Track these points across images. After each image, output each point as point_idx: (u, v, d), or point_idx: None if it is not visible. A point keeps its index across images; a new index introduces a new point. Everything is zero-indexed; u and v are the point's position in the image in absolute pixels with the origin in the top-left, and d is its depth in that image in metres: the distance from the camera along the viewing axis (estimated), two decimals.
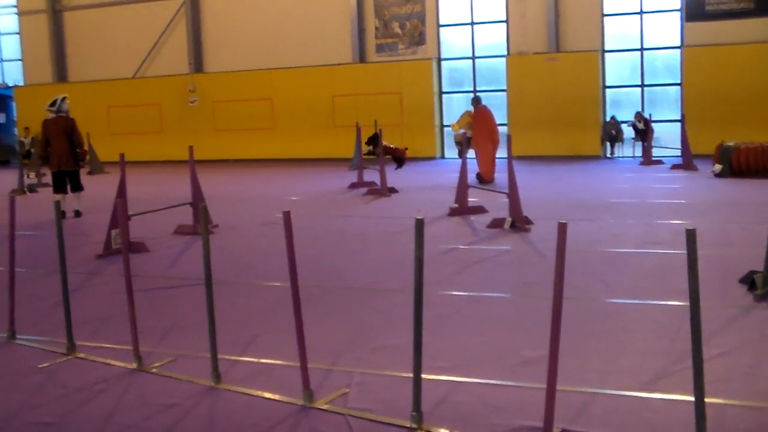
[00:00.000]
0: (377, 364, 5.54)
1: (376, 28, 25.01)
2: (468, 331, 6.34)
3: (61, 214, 6.26)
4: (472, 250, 9.72)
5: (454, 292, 7.55)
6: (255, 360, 5.76)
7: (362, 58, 25.13)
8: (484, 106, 17.62)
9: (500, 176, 15.10)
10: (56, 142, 13.59)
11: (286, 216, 4.87)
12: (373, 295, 7.72)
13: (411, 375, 4.40)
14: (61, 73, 29.62)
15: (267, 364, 5.68)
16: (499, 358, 5.61)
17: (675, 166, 18.83)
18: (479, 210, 12.43)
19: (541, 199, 13.57)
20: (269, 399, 5.01)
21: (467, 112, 17.97)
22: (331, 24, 25.35)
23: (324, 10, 25.44)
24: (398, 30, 24.79)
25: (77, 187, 13.96)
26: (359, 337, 6.26)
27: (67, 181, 13.85)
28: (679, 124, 19.81)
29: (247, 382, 5.30)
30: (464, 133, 17.12)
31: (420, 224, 4.28)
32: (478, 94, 21.04)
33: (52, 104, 13.84)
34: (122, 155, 10.40)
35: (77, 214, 13.80)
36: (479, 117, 17.25)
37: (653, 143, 20.63)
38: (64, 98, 13.92)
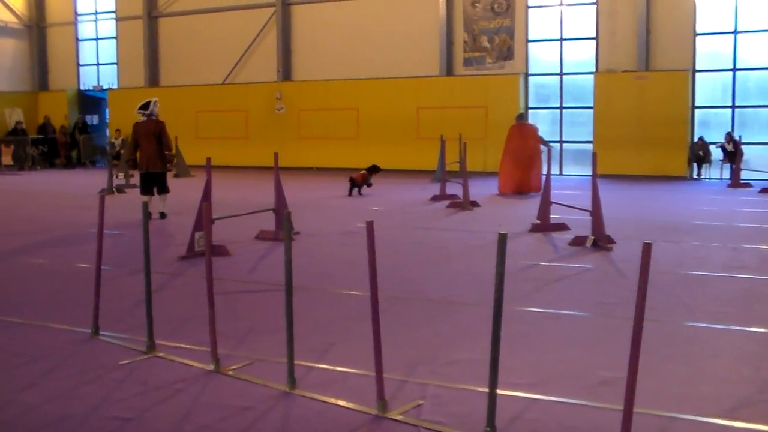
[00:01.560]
0: (452, 378, 5.50)
1: (465, 42, 24.97)
2: (545, 348, 6.25)
3: (147, 215, 6.41)
4: (553, 267, 9.59)
5: (533, 309, 7.46)
6: (330, 367, 5.79)
7: (449, 71, 25.12)
8: (521, 124, 18.79)
9: (583, 194, 14.88)
10: (145, 145, 13.93)
11: (369, 225, 4.88)
12: (451, 308, 7.68)
13: (486, 390, 4.35)
14: (153, 78, 30.40)
15: (342, 372, 5.70)
16: (575, 378, 5.51)
17: (764, 190, 18.26)
18: (561, 227, 12.27)
19: (624, 218, 13.30)
20: (343, 407, 5.02)
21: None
22: (420, 36, 25.41)
23: (413, 22, 25.52)
24: (486, 44, 24.71)
25: (164, 190, 14.26)
26: (435, 349, 6.23)
27: (154, 182, 14.16)
28: None
29: (321, 389, 5.33)
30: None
31: (502, 239, 4.24)
32: (522, 112, 21.03)
33: (144, 107, 14.15)
34: (209, 159, 10.60)
35: (162, 215, 14.10)
36: (509, 134, 18.56)
37: (742, 165, 20.05)
38: (155, 101, 14.23)
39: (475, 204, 15.42)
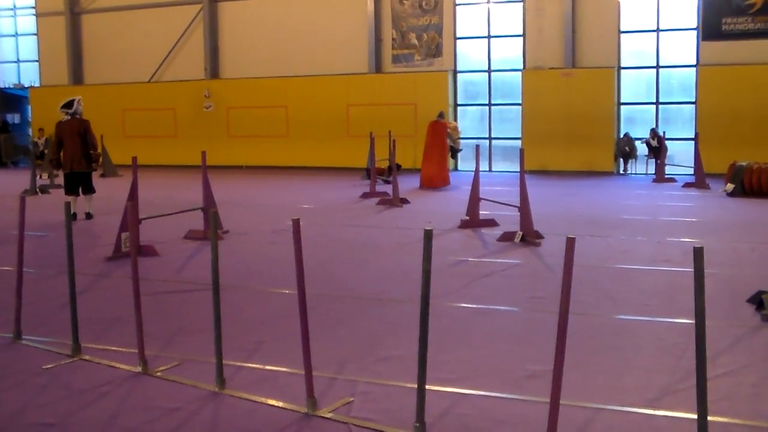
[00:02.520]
0: (382, 374, 5.52)
1: (393, 39, 25.05)
2: (474, 343, 6.32)
3: (71, 216, 6.28)
4: (482, 263, 9.69)
5: (462, 305, 7.53)
6: (260, 366, 5.76)
7: (378, 68, 25.17)
8: (435, 122, 19.72)
9: (511, 190, 15.05)
10: (69, 144, 13.62)
11: (296, 224, 4.86)
12: (380, 305, 7.71)
13: (415, 386, 4.38)
14: (77, 76, 29.77)
15: (272, 371, 5.68)
16: (504, 372, 5.58)
17: (687, 185, 18.76)
18: (490, 223, 12.40)
19: (553, 214, 13.52)
20: (273, 406, 5.00)
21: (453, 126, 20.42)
22: (348, 33, 25.41)
23: (341, 20, 25.51)
24: (415, 41, 24.84)
25: (89, 190, 13.98)
26: (365, 346, 6.25)
27: (79, 182, 13.87)
28: (692, 142, 19.75)
29: (251, 388, 5.29)
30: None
31: (428, 235, 4.27)
32: (442, 111, 21.62)
33: (67, 105, 13.83)
34: (134, 158, 10.43)
35: (88, 216, 13.83)
36: (439, 129, 19.27)
37: (666, 161, 20.56)
38: (78, 99, 13.92)
39: (405, 201, 15.50)
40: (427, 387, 4.39)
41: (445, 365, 5.62)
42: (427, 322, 4.32)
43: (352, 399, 5.06)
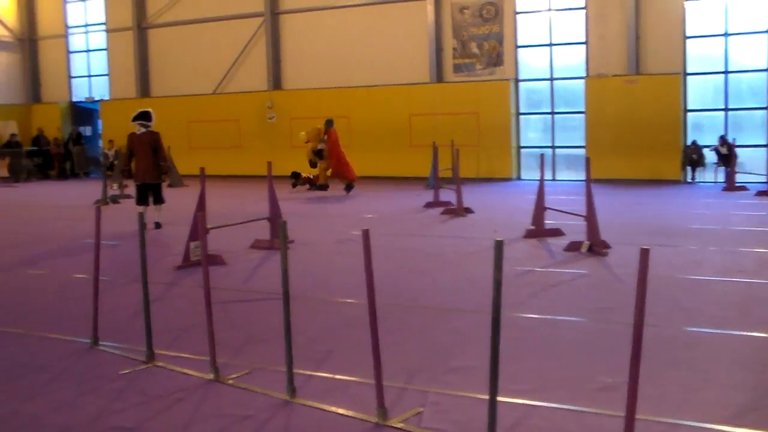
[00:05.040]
0: (452, 385, 5.52)
1: (454, 49, 25.02)
2: (544, 354, 6.27)
3: (143, 226, 6.41)
4: (549, 273, 9.62)
5: (530, 315, 7.48)
6: (330, 375, 5.80)
7: (439, 77, 25.16)
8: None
9: (576, 200, 14.89)
10: (141, 155, 13.91)
11: (365, 234, 4.89)
12: (448, 315, 7.70)
13: (486, 397, 4.36)
14: (144, 88, 30.37)
15: (341, 380, 5.71)
16: (575, 384, 5.53)
17: (760, 193, 18.32)
18: (556, 233, 12.30)
19: (619, 223, 13.33)
20: (343, 415, 5.03)
21: (317, 128, 20.77)
22: (409, 43, 25.44)
23: (402, 30, 25.56)
24: (476, 50, 24.78)
25: (159, 200, 14.26)
26: (434, 356, 6.25)
27: (149, 193, 14.16)
28: (764, 149, 19.28)
29: (321, 397, 5.34)
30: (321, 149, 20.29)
31: (499, 246, 4.26)
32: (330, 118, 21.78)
33: (142, 117, 14.08)
34: (202, 169, 10.61)
35: (157, 225, 14.09)
36: (335, 137, 20.35)
37: (737, 168, 20.12)
38: (151, 112, 14.20)
39: (469, 210, 15.45)
40: (498, 398, 4.37)
41: (515, 376, 5.59)
42: (499, 333, 4.30)
43: (422, 409, 5.06)
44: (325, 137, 20.36)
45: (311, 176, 21.34)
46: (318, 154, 20.31)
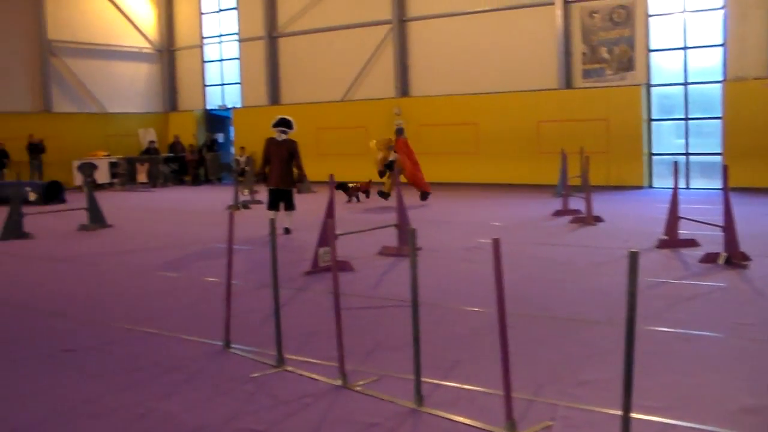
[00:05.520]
0: (582, 399, 5.38)
1: (583, 54, 24.55)
2: (679, 370, 6.04)
3: (275, 232, 6.54)
4: (683, 285, 9.27)
5: (664, 329, 7.22)
6: (457, 385, 5.76)
7: (568, 83, 24.73)
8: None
9: (712, 209, 14.30)
10: (277, 161, 14.16)
11: (495, 243, 4.83)
12: (578, 326, 7.53)
13: (619, 413, 4.23)
14: (274, 96, 31.13)
15: (469, 390, 5.66)
16: (714, 403, 5.30)
17: None
18: (690, 243, 11.86)
19: (760, 234, 12.74)
20: (471, 426, 4.98)
21: (388, 138, 20.45)
22: (537, 49, 25.13)
23: (530, 36, 25.28)
24: (606, 55, 24.24)
25: (290, 207, 14.51)
26: (563, 368, 6.12)
27: (281, 199, 14.40)
28: None
29: (448, 406, 5.31)
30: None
31: (634, 257, 4.12)
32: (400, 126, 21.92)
33: (283, 123, 14.35)
34: (332, 176, 10.77)
35: (287, 231, 14.36)
36: (404, 144, 20.05)
37: None
38: (292, 121, 14.45)
39: (598, 219, 15.10)
40: (631, 415, 4.23)
41: (649, 392, 5.40)
42: (633, 347, 4.16)
43: (552, 423, 4.96)
44: (393, 146, 20.05)
45: (359, 185, 21.14)
46: (389, 165, 19.80)
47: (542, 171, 23.60)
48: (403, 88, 28.01)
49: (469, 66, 26.33)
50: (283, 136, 14.27)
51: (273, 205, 14.35)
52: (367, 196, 21.05)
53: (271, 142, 14.28)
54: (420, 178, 19.94)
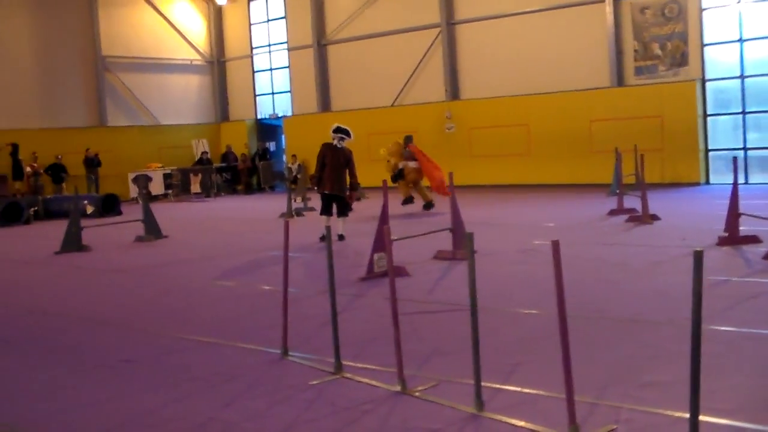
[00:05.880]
0: (646, 401, 5.27)
1: (635, 51, 24.23)
2: (746, 371, 5.89)
3: (330, 239, 6.53)
4: (746, 283, 9.05)
5: (728, 328, 7.05)
6: (518, 389, 5.68)
7: (620, 81, 24.42)
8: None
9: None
10: (334, 167, 14.18)
11: (555, 245, 4.76)
12: (638, 327, 7.39)
13: (685, 415, 4.14)
14: (325, 103, 31.29)
15: (530, 394, 5.59)
16: None
17: None
18: (752, 240, 11.58)
19: None
20: (532, 431, 4.91)
21: (398, 143, 20.17)
22: (588, 48, 24.86)
23: (580, 34, 25.02)
24: (658, 51, 23.88)
25: (344, 212, 14.53)
26: (625, 370, 6.00)
27: (335, 204, 14.45)
28: None
29: (509, 411, 5.24)
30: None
31: (699, 256, 4.01)
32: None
33: (343, 131, 14.44)
34: (384, 182, 10.74)
35: (341, 238, 14.37)
36: (417, 150, 19.75)
37: None
38: (350, 131, 14.58)
39: (655, 217, 14.85)
40: (699, 418, 4.12)
41: (717, 394, 5.27)
42: (699, 347, 4.06)
43: (615, 426, 4.86)
44: (408, 153, 19.70)
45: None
46: (399, 173, 19.62)
47: (595, 170, 23.33)
48: (453, 91, 27.94)
49: (519, 67, 26.16)
50: (342, 143, 14.33)
51: (326, 210, 14.39)
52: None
53: (328, 148, 14.33)
54: (437, 177, 19.03)
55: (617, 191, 17.11)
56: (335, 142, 14.31)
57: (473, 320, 5.26)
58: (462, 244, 11.15)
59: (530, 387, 5.69)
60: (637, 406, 5.18)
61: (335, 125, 14.63)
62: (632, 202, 16.16)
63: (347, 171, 14.45)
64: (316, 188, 14.64)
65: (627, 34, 24.30)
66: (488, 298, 8.59)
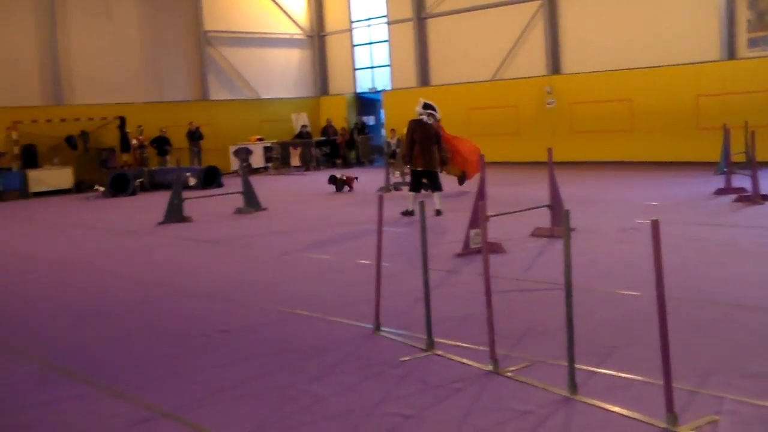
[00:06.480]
0: (752, 392, 5.02)
1: (748, 21, 23.15)
2: None
3: (424, 213, 6.44)
4: None
5: None
6: (613, 373, 5.51)
7: (731, 54, 23.41)
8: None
9: None
10: (425, 144, 14.22)
11: (654, 225, 4.56)
12: (743, 312, 7.07)
13: None
14: (424, 77, 31.09)
15: (626, 378, 5.41)
16: None
17: None
18: None
19: None
20: (628, 417, 4.75)
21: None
22: (696, 19, 23.91)
23: (688, 5, 24.07)
24: None
25: (438, 187, 14.53)
26: (729, 358, 5.75)
27: (428, 180, 14.46)
28: None
29: (604, 395, 5.08)
30: None
31: None
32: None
33: (431, 107, 14.47)
34: (482, 156, 10.59)
35: (437, 212, 14.30)
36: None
37: None
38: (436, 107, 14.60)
39: (766, 197, 14.21)
40: None
41: None
42: None
43: (717, 418, 4.64)
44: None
45: (345, 177, 21.19)
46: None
47: (701, 148, 22.48)
48: (555, 65, 27.35)
49: (623, 40, 25.37)
50: (431, 120, 14.30)
51: (417, 187, 14.44)
52: (350, 189, 20.98)
53: (417, 125, 14.33)
54: (461, 152, 18.42)
55: (725, 169, 16.44)
56: (423, 117, 14.29)
57: (568, 300, 5.10)
58: (560, 222, 10.92)
59: (626, 371, 5.50)
60: (742, 397, 4.94)
61: (422, 101, 14.67)
62: (741, 181, 15.52)
63: (437, 146, 14.45)
64: (407, 165, 14.71)
65: (740, 4, 23.24)
66: (586, 278, 8.39)
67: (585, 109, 25.74)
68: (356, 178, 21.58)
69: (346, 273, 9.98)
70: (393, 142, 26.64)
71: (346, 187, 20.90)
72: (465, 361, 5.98)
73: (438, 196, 14.53)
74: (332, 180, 20.99)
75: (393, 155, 22.02)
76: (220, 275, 10.42)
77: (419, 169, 14.33)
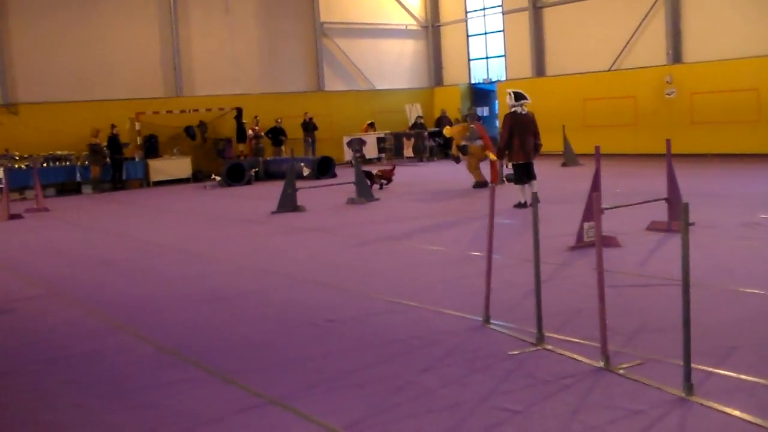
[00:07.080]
0: None
1: None
2: None
3: (537, 206, 6.33)
4: None
5: None
6: (733, 375, 5.27)
7: None
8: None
9: None
10: (525, 135, 14.26)
11: None
12: None
13: None
14: (539, 68, 30.61)
15: (747, 381, 5.16)
16: None
17: None
18: None
19: None
20: (748, 422, 4.53)
21: (463, 126, 19.72)
22: None
23: None
24: None
25: (533, 176, 14.57)
26: None
27: (531, 171, 14.48)
28: None
29: (722, 398, 4.87)
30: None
31: None
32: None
33: (522, 97, 14.40)
34: (597, 148, 10.32)
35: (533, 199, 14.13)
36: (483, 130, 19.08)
37: None
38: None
39: None
40: None
41: None
42: None
43: None
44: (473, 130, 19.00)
45: (382, 172, 20.26)
46: (462, 149, 19.08)
47: None
48: (676, 54, 26.46)
49: (752, 26, 24.29)
50: (526, 110, 14.36)
51: (522, 179, 14.38)
52: (388, 183, 20.22)
53: (515, 117, 14.30)
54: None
55: None
56: (518, 109, 14.15)
57: (685, 296, 4.90)
58: (678, 215, 10.55)
59: (747, 374, 5.26)
60: None
61: (512, 91, 14.63)
62: None
63: (534, 135, 14.48)
64: (507, 160, 14.80)
65: None
66: (705, 274, 8.09)
67: (707, 100, 24.80)
68: (394, 168, 21.17)
69: (456, 264, 9.92)
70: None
71: (383, 181, 20.18)
72: (575, 356, 5.84)
73: (534, 184, 14.36)
74: (368, 176, 19.54)
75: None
76: (330, 264, 10.52)
77: (521, 162, 14.37)
